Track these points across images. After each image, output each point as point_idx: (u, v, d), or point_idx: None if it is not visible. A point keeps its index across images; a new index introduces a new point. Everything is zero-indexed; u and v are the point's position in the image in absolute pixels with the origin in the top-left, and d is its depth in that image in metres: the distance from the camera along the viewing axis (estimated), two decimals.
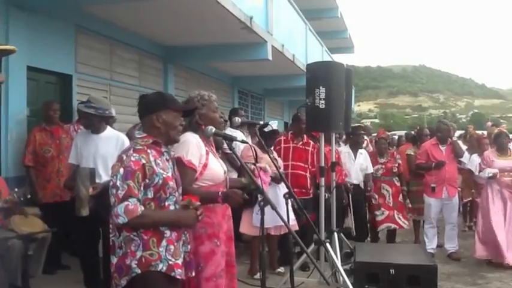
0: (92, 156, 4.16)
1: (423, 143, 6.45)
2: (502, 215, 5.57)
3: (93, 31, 6.58)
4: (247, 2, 6.87)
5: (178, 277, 2.28)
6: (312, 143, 5.52)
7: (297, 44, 10.42)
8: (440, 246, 6.24)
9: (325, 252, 4.38)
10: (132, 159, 2.21)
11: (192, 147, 2.72)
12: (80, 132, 4.74)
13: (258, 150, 4.51)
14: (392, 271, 4.13)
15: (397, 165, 6.45)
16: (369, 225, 6.47)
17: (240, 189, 2.69)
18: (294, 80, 11.08)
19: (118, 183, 2.17)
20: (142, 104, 2.40)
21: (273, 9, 8.25)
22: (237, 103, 11.97)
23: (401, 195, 6.40)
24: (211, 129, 2.68)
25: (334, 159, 4.92)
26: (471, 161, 6.10)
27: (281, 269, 5.14)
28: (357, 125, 7.88)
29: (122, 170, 2.19)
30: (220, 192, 2.69)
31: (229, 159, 5.12)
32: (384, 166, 6.40)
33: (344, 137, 7.31)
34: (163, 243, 2.24)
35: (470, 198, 7.44)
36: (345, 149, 6.36)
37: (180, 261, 2.30)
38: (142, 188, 2.21)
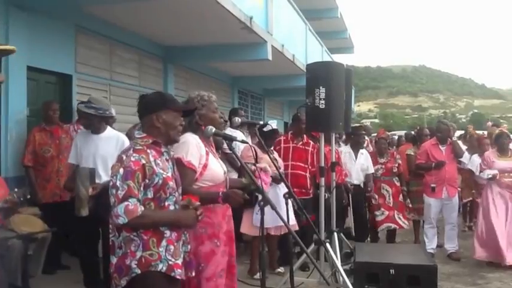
0: (92, 156, 4.15)
1: (423, 143, 6.45)
2: (503, 216, 5.56)
3: (93, 31, 6.58)
4: (247, 2, 6.87)
5: (178, 277, 2.28)
6: (311, 143, 5.52)
7: (297, 44, 10.42)
8: (440, 246, 6.24)
9: (325, 252, 4.38)
10: (132, 159, 2.21)
11: (192, 147, 2.72)
12: (80, 132, 4.74)
13: (258, 151, 4.52)
14: (392, 271, 4.13)
15: (397, 165, 6.46)
16: (369, 225, 6.46)
17: (240, 190, 2.69)
18: (294, 80, 11.08)
19: (118, 183, 2.17)
20: (142, 104, 2.40)
21: (273, 10, 8.25)
22: (236, 103, 11.97)
23: (401, 195, 6.41)
24: (211, 129, 2.67)
25: (334, 159, 4.92)
26: (472, 161, 6.09)
27: (281, 269, 5.14)
28: (357, 125, 7.87)
29: (121, 170, 2.18)
30: (220, 193, 2.69)
31: (229, 159, 5.12)
32: (383, 166, 6.40)
33: (344, 137, 7.31)
34: (163, 243, 2.24)
35: (471, 199, 7.44)
36: (345, 149, 6.36)
37: (180, 261, 2.30)
38: (142, 188, 2.20)
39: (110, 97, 6.85)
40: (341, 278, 4.13)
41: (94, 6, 5.99)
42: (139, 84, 7.76)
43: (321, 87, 4.21)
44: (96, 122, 4.21)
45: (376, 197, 6.30)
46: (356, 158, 6.23)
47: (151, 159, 2.26)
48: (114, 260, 2.25)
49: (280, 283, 4.28)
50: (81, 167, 4.15)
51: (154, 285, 2.21)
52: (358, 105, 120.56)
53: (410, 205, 6.60)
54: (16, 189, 3.53)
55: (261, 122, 5.32)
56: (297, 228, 4.77)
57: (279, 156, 5.25)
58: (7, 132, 5.11)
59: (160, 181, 2.25)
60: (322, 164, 4.49)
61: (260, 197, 2.62)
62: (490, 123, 9.38)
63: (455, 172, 6.12)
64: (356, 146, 6.33)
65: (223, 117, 5.04)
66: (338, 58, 19.06)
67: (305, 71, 4.84)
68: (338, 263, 4.20)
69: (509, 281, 5.05)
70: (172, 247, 2.27)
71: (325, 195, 4.51)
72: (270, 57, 7.99)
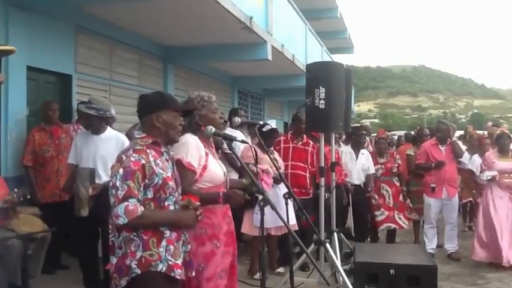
0: (92, 156, 4.15)
1: (423, 143, 6.44)
2: (503, 216, 5.54)
3: (92, 31, 6.57)
4: (247, 2, 6.87)
5: (178, 277, 2.28)
6: (311, 143, 5.52)
7: (297, 44, 10.42)
8: (440, 246, 6.24)
9: (325, 253, 4.38)
10: (132, 159, 2.20)
11: (192, 148, 2.71)
12: (80, 133, 4.74)
13: (258, 151, 4.51)
14: (392, 271, 4.13)
15: (396, 165, 6.45)
16: (369, 225, 6.46)
17: (241, 190, 2.69)
18: (294, 80, 11.08)
19: (118, 183, 2.16)
20: (142, 104, 2.39)
21: (273, 10, 8.25)
22: (236, 103, 11.97)
23: (401, 196, 6.41)
24: (211, 129, 2.67)
25: (333, 160, 4.92)
26: (472, 161, 6.08)
27: (281, 269, 5.14)
28: (358, 125, 7.88)
29: (121, 171, 2.18)
30: (221, 193, 2.68)
31: (229, 159, 5.12)
32: (383, 166, 6.40)
33: (344, 137, 7.31)
34: (163, 243, 2.24)
35: (471, 199, 7.44)
36: (346, 149, 6.36)
37: (179, 262, 2.30)
38: (142, 188, 2.20)
39: (109, 97, 6.85)
40: (341, 278, 4.13)
41: (94, 6, 5.99)
42: (139, 84, 7.76)
43: (320, 87, 4.21)
44: (96, 122, 4.21)
45: (376, 197, 6.30)
46: (357, 158, 6.23)
47: (151, 159, 2.25)
48: (114, 260, 2.24)
49: (280, 283, 4.28)
50: (81, 167, 4.14)
51: (154, 285, 2.20)
52: (358, 105, 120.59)
53: (410, 205, 6.61)
54: (16, 189, 3.52)
55: (261, 122, 5.32)
56: (296, 228, 4.77)
57: (279, 156, 5.25)
58: (7, 132, 5.11)
59: (160, 181, 2.25)
60: (322, 164, 4.48)
61: (260, 197, 2.62)
62: (490, 124, 9.37)
63: (455, 172, 6.12)
64: (357, 146, 6.33)
65: (223, 118, 5.04)
66: (338, 58, 19.07)
67: (305, 71, 4.83)
68: (338, 263, 4.20)
69: (509, 281, 5.04)
70: (172, 247, 2.27)
71: (325, 195, 4.51)
72: (269, 57, 8.00)
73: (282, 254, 5.41)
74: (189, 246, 2.45)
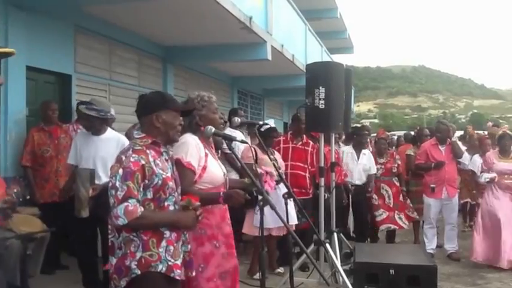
0: (92, 157, 4.15)
1: (423, 143, 6.44)
2: (504, 217, 5.53)
3: (92, 31, 6.57)
4: (246, 2, 6.86)
5: (177, 278, 2.27)
6: (311, 143, 5.52)
7: (297, 44, 10.42)
8: (439, 246, 6.24)
9: (324, 253, 4.38)
10: (132, 160, 2.19)
11: (192, 148, 2.71)
12: (80, 133, 4.73)
13: (259, 151, 4.51)
14: (392, 271, 4.13)
15: (396, 165, 6.46)
16: (369, 225, 6.46)
17: (241, 190, 2.68)
18: (294, 80, 11.07)
19: (117, 184, 2.16)
20: (141, 103, 2.38)
21: (273, 10, 8.25)
22: (236, 103, 11.96)
23: (401, 196, 6.40)
24: (211, 129, 2.66)
25: (333, 160, 4.91)
26: (473, 161, 6.08)
27: (280, 270, 5.13)
28: (360, 125, 7.89)
29: (121, 171, 2.17)
30: (221, 193, 2.68)
31: (229, 159, 5.12)
32: (383, 166, 6.40)
33: (344, 137, 7.31)
34: (163, 243, 2.23)
35: (468, 199, 7.43)
36: (347, 149, 6.36)
37: (179, 262, 2.30)
38: (141, 189, 2.19)
39: (109, 97, 6.85)
40: (341, 278, 4.13)
41: (93, 6, 5.98)
42: (138, 84, 7.76)
43: (320, 88, 4.21)
44: (97, 124, 4.21)
45: (376, 197, 6.30)
46: (358, 158, 6.22)
47: (151, 159, 2.25)
48: (113, 260, 2.23)
49: (280, 283, 4.28)
50: (81, 168, 4.14)
51: (154, 285, 2.20)
52: (358, 106, 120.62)
53: (411, 205, 6.60)
54: (15, 190, 3.52)
55: (260, 122, 5.32)
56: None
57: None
58: (6, 132, 5.11)
59: (160, 181, 2.24)
60: (322, 164, 4.48)
61: (260, 197, 2.61)
62: (490, 124, 9.36)
63: (455, 172, 6.12)
64: (358, 146, 6.33)
65: (223, 118, 5.03)
66: (337, 58, 19.06)
67: (305, 71, 4.83)
68: (338, 263, 4.20)
69: (509, 281, 5.04)
70: (172, 248, 2.26)
71: (324, 196, 4.51)
72: (269, 57, 7.99)
73: (281, 254, 5.41)
74: (189, 246, 2.44)
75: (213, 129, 2.66)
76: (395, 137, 12.20)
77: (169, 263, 2.24)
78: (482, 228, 5.65)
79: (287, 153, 5.37)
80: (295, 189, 4.95)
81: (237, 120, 4.12)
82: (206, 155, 2.77)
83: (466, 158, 6.09)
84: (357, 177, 6.19)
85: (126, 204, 2.13)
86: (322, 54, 13.54)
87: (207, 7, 5.96)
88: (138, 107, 2.39)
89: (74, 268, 4.68)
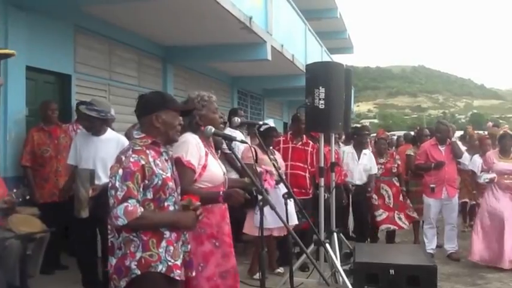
0: (92, 158, 4.15)
1: (423, 143, 6.44)
2: (504, 217, 5.52)
3: (92, 31, 6.56)
4: (246, 2, 6.86)
5: (177, 278, 2.27)
6: (311, 143, 5.51)
7: (297, 44, 10.41)
8: (439, 246, 6.24)
9: (324, 253, 4.37)
10: (132, 160, 2.19)
11: (192, 147, 2.71)
12: (80, 133, 4.73)
13: (259, 151, 4.51)
14: (392, 271, 4.13)
15: (396, 165, 6.46)
16: (369, 226, 6.46)
17: (241, 189, 2.68)
18: (294, 80, 11.07)
19: (117, 184, 2.15)
20: (141, 103, 2.38)
21: (273, 10, 8.24)
22: (236, 103, 11.96)
23: (401, 196, 6.40)
24: (211, 129, 2.66)
25: (333, 160, 4.91)
26: (473, 162, 6.08)
27: (280, 270, 5.13)
28: (359, 125, 7.89)
29: (121, 171, 2.17)
30: (221, 192, 2.68)
31: (229, 159, 5.11)
32: (383, 166, 6.40)
33: (344, 137, 7.30)
34: (163, 244, 2.23)
35: (466, 199, 7.42)
36: (348, 149, 6.36)
37: (179, 262, 2.29)
38: (141, 189, 2.19)
39: (109, 97, 6.84)
40: (341, 278, 4.13)
41: (93, 6, 5.98)
42: (138, 84, 7.75)
43: (320, 88, 4.21)
44: (98, 124, 4.20)
45: (376, 197, 6.30)
46: (359, 158, 6.22)
47: (151, 159, 2.24)
48: (113, 261, 2.23)
49: (280, 283, 4.27)
50: (81, 168, 4.14)
51: (154, 286, 2.19)
52: (358, 106, 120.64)
53: (411, 205, 6.60)
54: (15, 190, 3.52)
55: (260, 122, 5.31)
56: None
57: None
58: (6, 132, 5.10)
59: (160, 182, 2.24)
60: (322, 165, 4.48)
61: (260, 197, 2.61)
62: (490, 124, 9.37)
63: (455, 172, 6.11)
64: (359, 146, 6.32)
65: (223, 118, 5.03)
66: (337, 58, 19.04)
67: (304, 71, 4.83)
68: (338, 263, 4.20)
69: (509, 281, 5.04)
70: (171, 248, 2.26)
71: (324, 196, 4.51)
72: (269, 57, 7.99)
73: (281, 254, 5.40)
74: (189, 246, 2.44)
75: (213, 129, 2.66)
76: (395, 137, 12.20)
77: (169, 263, 2.23)
78: (482, 228, 5.65)
79: (287, 153, 5.37)
80: (295, 189, 4.96)
81: (237, 120, 4.12)
82: (206, 153, 2.77)
83: (466, 158, 6.09)
84: (357, 177, 6.18)
85: (126, 204, 2.12)
86: (322, 54, 13.54)
87: (207, 7, 5.96)
88: (137, 107, 2.39)
89: (74, 268, 4.68)
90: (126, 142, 4.10)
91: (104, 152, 4.09)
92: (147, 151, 2.26)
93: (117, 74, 7.22)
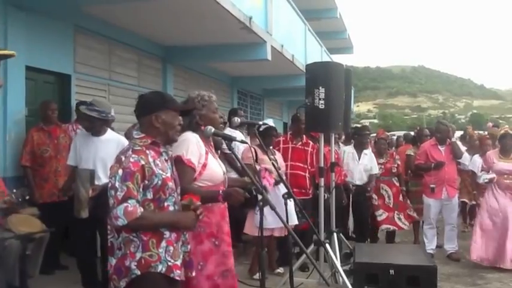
0: (92, 158, 4.14)
1: (423, 143, 6.44)
2: (505, 217, 5.52)
3: (92, 31, 6.56)
4: (246, 2, 6.86)
5: (177, 278, 2.27)
6: (311, 143, 5.51)
7: (296, 44, 10.41)
8: (439, 246, 6.24)
9: (324, 253, 4.37)
10: (131, 160, 2.19)
11: (192, 146, 2.71)
12: (80, 134, 4.72)
13: (259, 151, 4.51)
14: (391, 272, 4.12)
15: (396, 165, 6.46)
16: (370, 226, 6.45)
17: (241, 188, 2.68)
18: (293, 80, 11.07)
19: (117, 184, 2.15)
20: (140, 103, 2.38)
21: (272, 10, 8.24)
22: (236, 103, 11.96)
23: (401, 196, 6.40)
24: (211, 129, 2.66)
25: (333, 160, 4.91)
26: (473, 162, 6.07)
27: (280, 270, 5.13)
28: (359, 125, 7.89)
29: (120, 172, 2.16)
30: (221, 191, 2.68)
31: (229, 159, 5.11)
32: (383, 166, 6.40)
33: (343, 137, 7.31)
34: (163, 244, 2.23)
35: (465, 199, 7.42)
36: (349, 149, 6.35)
37: (179, 263, 2.29)
38: (141, 189, 2.19)
39: (108, 97, 6.84)
40: (340, 278, 4.13)
41: (93, 6, 5.97)
42: (138, 84, 7.75)
43: (320, 88, 4.20)
44: (98, 125, 4.20)
45: (376, 197, 6.30)
46: (359, 158, 6.22)
47: (151, 159, 2.24)
48: (113, 261, 2.23)
49: (280, 283, 4.27)
50: (81, 168, 4.13)
51: (154, 286, 2.19)
52: (357, 106, 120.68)
53: (411, 205, 6.59)
54: (15, 190, 3.52)
55: (260, 123, 5.31)
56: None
57: None
58: (5, 132, 5.10)
59: (160, 182, 2.24)
60: (322, 165, 4.48)
61: (260, 197, 2.61)
62: (490, 124, 9.37)
63: (455, 173, 6.11)
64: (359, 147, 6.32)
65: (223, 118, 5.02)
66: (337, 58, 19.04)
67: (304, 71, 4.83)
68: (338, 263, 4.20)
69: (509, 281, 5.04)
70: (171, 248, 2.26)
71: (324, 196, 4.50)
72: (269, 58, 7.99)
73: (281, 254, 5.40)
74: (189, 247, 2.44)
75: (213, 129, 2.67)
76: (395, 137, 12.19)
77: (169, 263, 2.23)
78: (482, 228, 5.64)
79: (287, 154, 5.37)
80: (295, 190, 4.95)
81: (237, 120, 4.11)
82: (207, 152, 2.78)
83: (466, 158, 6.09)
84: (358, 177, 6.18)
85: (125, 204, 2.12)
86: (322, 55, 13.54)
87: (207, 7, 5.95)
88: (137, 107, 2.38)
89: (74, 268, 4.68)
90: (126, 143, 4.08)
91: (103, 153, 4.08)
92: (147, 151, 2.26)
93: (116, 74, 7.22)
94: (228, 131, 5.36)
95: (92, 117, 4.16)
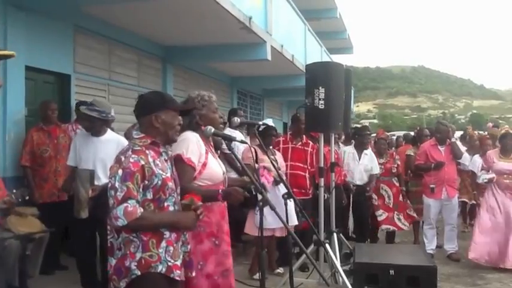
0: (91, 158, 4.14)
1: (423, 143, 6.44)
2: (506, 217, 5.51)
3: (91, 31, 6.56)
4: (246, 2, 6.86)
5: (177, 278, 2.27)
6: (311, 143, 5.51)
7: (296, 44, 10.41)
8: (439, 247, 6.24)
9: (324, 253, 4.37)
10: (131, 160, 2.18)
11: (192, 145, 2.71)
12: (80, 134, 4.72)
13: (259, 151, 4.50)
14: (391, 272, 4.12)
15: (396, 165, 6.46)
16: (370, 226, 6.45)
17: (240, 188, 2.68)
18: (293, 80, 11.07)
19: (117, 184, 2.15)
20: (140, 104, 2.37)
21: (272, 10, 8.24)
22: (236, 103, 11.95)
23: (401, 196, 6.40)
24: (210, 129, 2.67)
25: (333, 160, 4.91)
26: (473, 162, 6.07)
27: (280, 270, 5.13)
28: (359, 125, 7.90)
29: (120, 172, 2.16)
30: (220, 190, 2.68)
31: (228, 159, 5.11)
32: (383, 167, 6.40)
33: (343, 137, 7.31)
34: (163, 244, 2.22)
35: (465, 199, 7.42)
36: (349, 149, 6.36)
37: (179, 263, 2.29)
38: (141, 190, 2.18)
39: (108, 97, 6.84)
40: (340, 278, 4.13)
41: (93, 6, 5.97)
42: (138, 84, 7.75)
43: (320, 88, 4.21)
44: (98, 125, 4.20)
45: (376, 197, 6.30)
46: (360, 158, 6.22)
47: (150, 160, 2.24)
48: (112, 261, 2.22)
49: (280, 284, 4.27)
50: (81, 168, 4.13)
51: (154, 286, 2.19)
52: (357, 106, 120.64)
53: (411, 205, 6.59)
54: (14, 190, 3.51)
55: (260, 123, 5.31)
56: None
57: None
58: (5, 132, 5.09)
59: (160, 182, 2.23)
60: (322, 165, 4.48)
61: (260, 197, 2.61)
62: (490, 125, 9.36)
63: (455, 173, 6.11)
64: (360, 147, 6.32)
65: (223, 118, 5.02)
66: (337, 58, 19.02)
67: (304, 71, 4.83)
68: (337, 263, 4.20)
69: (509, 281, 5.04)
70: (171, 248, 2.25)
71: (324, 196, 4.50)
72: (269, 58, 7.98)
73: (281, 254, 5.40)
74: (189, 247, 2.44)
75: (213, 129, 2.67)
76: (395, 138, 12.20)
77: (169, 263, 2.23)
78: (483, 228, 5.64)
79: (287, 154, 5.37)
80: (294, 190, 4.95)
81: (237, 120, 4.11)
82: (206, 152, 2.78)
83: (466, 158, 6.09)
84: (358, 178, 6.18)
85: (125, 205, 2.12)
86: (321, 55, 13.54)
87: (206, 7, 5.95)
88: (137, 107, 2.38)
89: (73, 268, 4.67)
90: (126, 143, 4.07)
91: (103, 153, 4.08)
92: (147, 151, 2.26)
93: (116, 74, 7.22)
94: (228, 131, 5.36)
95: (92, 117, 4.16)
